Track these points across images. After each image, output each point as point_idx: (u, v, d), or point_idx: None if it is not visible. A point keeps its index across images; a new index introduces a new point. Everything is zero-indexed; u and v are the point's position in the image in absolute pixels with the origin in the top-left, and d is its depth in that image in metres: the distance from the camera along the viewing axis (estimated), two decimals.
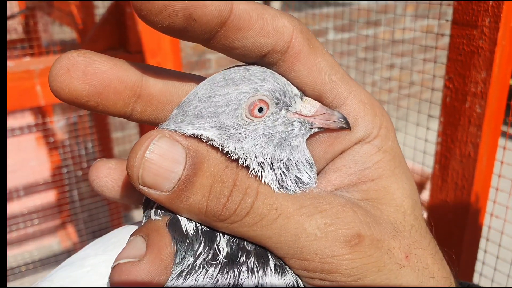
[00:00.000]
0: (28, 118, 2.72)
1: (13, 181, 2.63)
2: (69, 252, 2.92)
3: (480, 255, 1.41)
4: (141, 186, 0.37)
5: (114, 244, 0.43)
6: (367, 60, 4.10)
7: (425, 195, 3.73)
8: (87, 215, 2.63)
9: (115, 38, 2.17)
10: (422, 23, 4.47)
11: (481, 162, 1.20)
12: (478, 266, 1.42)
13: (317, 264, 0.38)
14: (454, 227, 1.30)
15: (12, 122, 2.61)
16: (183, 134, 0.39)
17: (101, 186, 0.45)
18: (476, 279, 1.46)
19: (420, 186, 4.11)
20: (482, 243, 1.40)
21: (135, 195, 0.45)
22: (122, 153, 4.09)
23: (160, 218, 0.40)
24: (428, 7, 2.05)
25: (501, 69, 1.10)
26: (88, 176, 0.46)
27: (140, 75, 0.40)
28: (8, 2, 3.42)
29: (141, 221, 0.44)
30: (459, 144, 1.21)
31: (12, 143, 2.65)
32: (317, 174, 0.45)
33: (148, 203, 0.42)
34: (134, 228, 0.43)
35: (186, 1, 0.34)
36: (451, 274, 0.46)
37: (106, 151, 2.54)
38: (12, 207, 2.63)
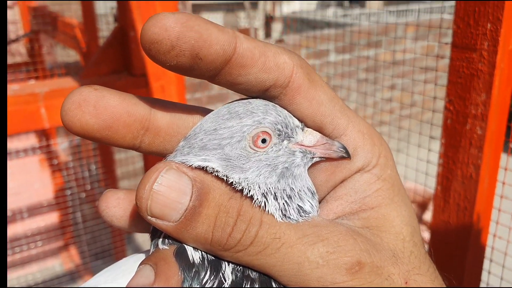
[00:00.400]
0: (32, 140, 2.73)
1: (17, 203, 2.63)
2: (71, 274, 2.91)
3: (484, 276, 1.41)
4: (149, 217, 0.39)
5: (124, 272, 0.45)
6: (368, 81, 4.13)
7: (428, 216, 3.72)
8: (90, 237, 2.63)
9: (119, 61, 2.19)
10: (423, 44, 4.52)
11: (483, 183, 1.21)
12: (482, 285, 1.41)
13: None
14: (457, 248, 1.30)
15: (17, 144, 2.62)
16: (190, 165, 0.40)
17: (111, 216, 0.46)
18: None
19: (423, 207, 4.10)
20: (486, 264, 1.40)
21: (142, 224, 0.46)
22: (125, 174, 4.10)
23: (168, 247, 0.41)
24: (428, 28, 2.08)
25: (501, 91, 1.11)
26: (98, 207, 0.47)
27: (149, 108, 0.42)
28: (13, 25, 3.47)
29: (148, 250, 0.45)
30: (460, 166, 1.22)
31: (16, 165, 2.66)
32: (319, 202, 0.46)
33: (156, 233, 0.43)
34: (142, 256, 0.45)
35: (193, 42, 0.36)
36: None
37: (109, 173, 2.55)
38: (16, 229, 2.62)
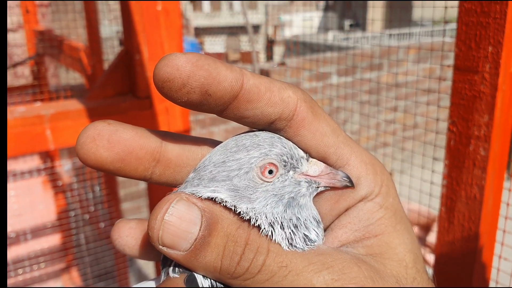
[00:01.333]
0: (36, 162, 2.74)
1: (20, 224, 2.63)
2: None
3: None
4: (160, 246, 0.40)
5: None
6: (370, 103, 4.16)
7: (432, 237, 3.69)
8: (92, 258, 2.62)
9: (124, 83, 2.22)
10: (425, 66, 4.55)
11: (487, 204, 1.21)
12: None
13: None
14: (462, 269, 1.30)
15: (21, 165, 2.63)
16: (199, 197, 0.42)
17: (123, 245, 0.48)
18: None
19: (427, 229, 4.08)
20: (492, 285, 1.39)
21: (153, 253, 0.48)
22: (128, 196, 4.10)
23: (178, 276, 0.42)
24: (430, 50, 2.10)
25: (503, 112, 1.12)
26: (111, 236, 0.49)
27: (160, 141, 0.44)
28: (18, 48, 3.51)
29: (155, 278, 0.47)
30: (464, 187, 1.23)
31: (20, 187, 2.66)
32: (324, 230, 0.48)
33: (166, 261, 0.44)
34: (151, 284, 0.47)
35: (203, 80, 0.39)
36: None
37: (112, 194, 2.55)
38: (19, 250, 2.62)
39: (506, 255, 1.42)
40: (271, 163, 0.44)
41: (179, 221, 0.39)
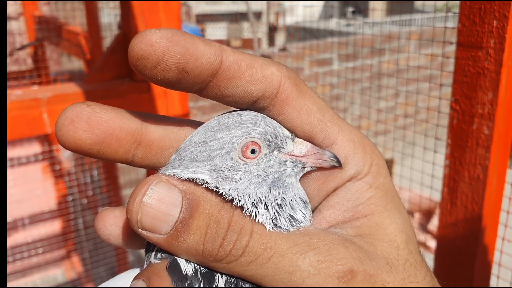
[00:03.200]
0: (34, 147, 2.73)
1: (18, 210, 2.62)
2: (73, 282, 2.88)
3: (493, 281, 1.38)
4: (140, 230, 0.39)
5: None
6: (372, 89, 4.12)
7: (433, 225, 3.68)
8: (91, 244, 2.61)
9: (122, 67, 2.19)
10: (426, 51, 4.51)
11: (491, 185, 1.19)
12: None
13: None
14: (465, 252, 1.28)
15: (19, 151, 2.62)
16: (180, 178, 0.41)
17: (108, 235, 0.47)
18: None
19: (428, 216, 4.07)
20: (495, 268, 1.37)
21: (139, 241, 0.47)
22: (128, 183, 4.09)
23: (159, 261, 0.41)
24: (432, 35, 2.07)
25: (508, 89, 1.10)
26: (95, 225, 0.48)
27: (140, 123, 0.43)
28: (18, 35, 3.49)
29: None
30: (467, 167, 1.20)
31: (18, 173, 2.65)
32: (312, 211, 0.46)
33: (149, 247, 0.43)
34: (138, 272, 0.46)
35: (178, 56, 0.37)
36: None
37: (111, 178, 2.53)
38: (17, 237, 2.61)
39: (510, 237, 1.40)
40: (254, 142, 0.43)
41: (158, 204, 0.39)
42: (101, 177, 2.52)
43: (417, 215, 4.15)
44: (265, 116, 0.44)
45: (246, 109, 0.45)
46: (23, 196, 2.66)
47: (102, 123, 0.41)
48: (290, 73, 0.43)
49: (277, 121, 0.44)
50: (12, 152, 2.59)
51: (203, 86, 0.40)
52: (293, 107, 0.43)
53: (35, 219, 2.67)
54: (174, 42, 0.37)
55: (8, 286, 2.10)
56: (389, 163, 4.70)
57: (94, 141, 0.41)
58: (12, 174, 2.58)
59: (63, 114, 0.40)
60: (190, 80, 0.39)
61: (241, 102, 0.42)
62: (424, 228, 4.01)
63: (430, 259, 1.39)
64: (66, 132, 0.40)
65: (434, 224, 3.82)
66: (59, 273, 3.00)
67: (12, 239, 2.58)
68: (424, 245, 3.44)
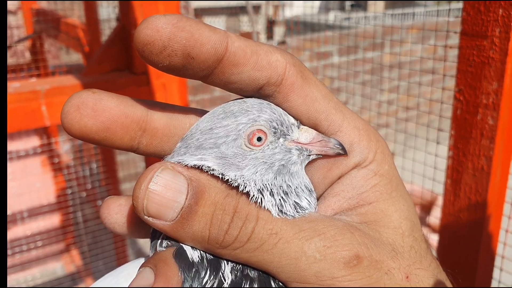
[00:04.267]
0: (33, 140, 2.71)
1: (18, 203, 2.61)
2: (72, 275, 2.88)
3: (496, 273, 1.37)
4: (146, 217, 0.39)
5: (125, 277, 0.46)
6: (372, 83, 4.10)
7: (433, 219, 3.68)
8: (90, 237, 2.60)
9: (121, 59, 2.18)
10: (427, 45, 4.49)
11: (495, 176, 1.17)
12: (494, 284, 1.37)
13: (318, 287, 0.39)
14: (468, 243, 1.26)
15: (18, 144, 2.60)
16: (186, 165, 0.41)
17: (113, 223, 0.47)
18: None
19: (428, 210, 4.06)
20: (498, 260, 1.36)
21: (144, 230, 0.47)
22: (127, 177, 4.07)
23: (165, 249, 0.42)
24: (434, 28, 2.05)
25: None
26: (100, 214, 0.48)
27: (146, 110, 0.43)
28: (16, 28, 3.47)
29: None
30: (471, 158, 1.19)
31: (17, 166, 2.64)
32: (317, 199, 0.46)
33: (155, 234, 0.43)
34: (142, 262, 0.46)
35: (184, 41, 0.37)
36: None
37: (110, 172, 2.52)
38: (16, 230, 2.60)
39: None
40: (260, 129, 0.43)
41: (164, 190, 0.39)
42: (100, 170, 2.51)
43: (417, 209, 4.15)
44: (271, 103, 0.44)
45: (251, 97, 0.44)
46: (22, 189, 2.65)
47: (108, 110, 0.41)
48: (295, 60, 0.43)
49: (282, 108, 0.44)
50: (11, 146, 2.58)
51: (209, 72, 0.40)
52: (298, 94, 0.43)
53: (34, 212, 2.66)
54: (179, 28, 0.37)
55: (7, 281, 2.09)
56: None
57: (100, 128, 0.41)
58: (10, 168, 2.56)
59: (69, 101, 0.41)
60: (195, 66, 0.39)
61: (246, 89, 0.42)
62: (424, 223, 4.01)
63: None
64: (72, 119, 0.40)
65: (434, 217, 3.82)
66: (59, 267, 3.00)
67: (11, 233, 2.57)
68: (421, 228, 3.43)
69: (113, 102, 0.42)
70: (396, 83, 4.54)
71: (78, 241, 2.78)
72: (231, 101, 0.45)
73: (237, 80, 0.41)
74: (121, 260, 2.57)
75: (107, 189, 2.45)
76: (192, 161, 0.41)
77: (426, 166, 1.96)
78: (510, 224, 1.38)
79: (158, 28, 0.37)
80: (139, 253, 3.32)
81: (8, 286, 2.37)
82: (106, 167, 2.51)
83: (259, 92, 0.43)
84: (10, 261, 2.46)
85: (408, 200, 0.46)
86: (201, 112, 0.46)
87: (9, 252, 2.38)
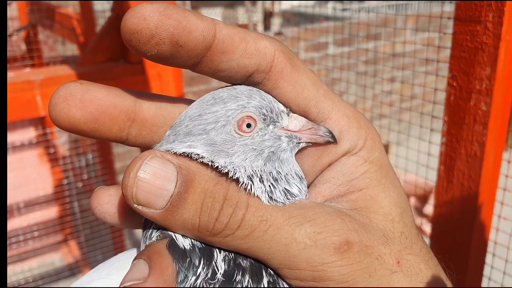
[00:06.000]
0: (28, 131, 2.71)
1: (14, 196, 2.61)
2: (69, 265, 2.88)
3: (489, 258, 1.38)
4: (135, 205, 0.39)
5: (117, 268, 0.46)
6: (367, 74, 4.10)
7: (429, 208, 3.68)
8: (88, 227, 2.61)
9: (116, 49, 2.17)
10: (423, 36, 4.48)
11: (488, 162, 1.18)
12: (486, 270, 1.38)
13: (309, 273, 0.40)
14: (461, 229, 1.27)
15: (13, 135, 2.59)
16: (174, 153, 0.41)
17: (103, 213, 0.47)
18: (484, 284, 1.42)
19: (423, 200, 4.08)
20: (491, 246, 1.37)
21: (135, 220, 0.47)
22: (123, 169, 4.07)
23: (158, 240, 0.41)
24: (429, 19, 2.04)
25: (506, 64, 1.08)
26: (90, 204, 0.48)
27: (134, 100, 0.43)
28: (10, 20, 3.45)
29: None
30: (464, 144, 1.19)
31: (13, 157, 2.63)
32: (308, 187, 0.47)
33: (147, 224, 0.43)
34: (135, 252, 0.47)
35: (172, 29, 0.37)
36: (448, 280, 0.47)
37: (106, 162, 2.52)
38: (13, 222, 2.60)
39: (506, 215, 1.40)
40: (250, 116, 0.43)
41: (153, 178, 0.39)
42: (96, 160, 2.51)
43: (412, 199, 4.16)
44: (260, 90, 0.44)
45: (240, 84, 0.44)
46: (18, 180, 2.64)
47: (96, 101, 0.41)
48: (283, 47, 0.43)
49: (272, 96, 0.44)
50: (8, 138, 2.57)
51: (197, 60, 0.40)
52: (288, 81, 0.43)
53: (31, 203, 2.65)
54: (166, 16, 0.37)
55: (7, 278, 2.08)
56: (385, 147, 4.70)
57: (88, 119, 0.41)
58: (8, 160, 2.56)
59: (56, 92, 0.40)
60: (184, 54, 0.39)
61: (235, 76, 0.42)
62: (419, 212, 4.02)
63: (426, 240, 1.39)
64: (60, 111, 0.40)
65: (429, 209, 3.83)
66: (57, 258, 3.00)
67: (8, 224, 2.57)
68: (420, 229, 3.45)
69: (101, 92, 0.41)
70: (392, 74, 4.54)
71: (75, 231, 2.78)
72: (221, 88, 0.45)
73: (226, 68, 0.41)
74: (118, 250, 2.57)
75: (103, 179, 2.45)
76: (181, 148, 0.41)
77: (420, 153, 1.97)
78: (502, 210, 1.38)
79: (145, 17, 0.37)
80: (136, 243, 3.32)
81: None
82: (102, 158, 2.51)
83: (249, 79, 0.43)
84: (8, 253, 2.46)
85: (398, 186, 0.46)
86: (189, 102, 0.46)
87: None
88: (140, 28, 0.37)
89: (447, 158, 1.25)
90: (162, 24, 0.37)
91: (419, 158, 2.01)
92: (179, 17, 0.37)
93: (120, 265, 0.46)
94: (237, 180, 0.41)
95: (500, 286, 1.47)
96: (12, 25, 3.44)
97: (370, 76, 4.14)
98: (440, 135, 1.26)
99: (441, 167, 1.27)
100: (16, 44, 3.37)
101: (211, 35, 0.39)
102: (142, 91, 0.44)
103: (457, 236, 1.29)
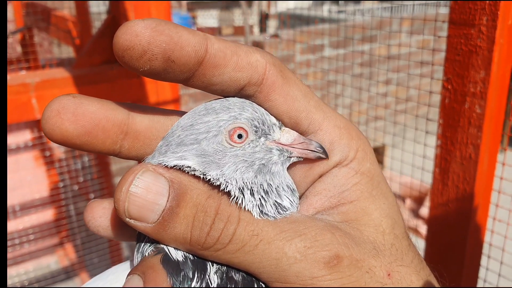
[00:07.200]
0: (25, 134, 2.70)
1: (10, 198, 2.60)
2: (65, 268, 2.87)
3: (484, 260, 1.39)
4: (127, 219, 0.39)
5: (111, 281, 0.46)
6: (363, 76, 4.11)
7: (424, 211, 3.69)
8: (84, 230, 2.60)
9: (111, 51, 2.16)
10: (418, 38, 4.50)
11: (482, 164, 1.19)
12: (481, 272, 1.39)
13: (299, 287, 0.40)
14: (456, 231, 1.28)
15: (9, 138, 2.59)
16: (166, 166, 0.41)
17: (97, 226, 0.47)
18: (480, 285, 1.42)
19: (419, 202, 4.09)
20: (485, 248, 1.37)
21: (128, 232, 0.47)
22: (120, 171, 4.06)
23: (152, 254, 0.41)
24: (424, 22, 2.05)
25: (500, 67, 1.09)
26: (84, 217, 0.48)
27: (127, 113, 0.43)
28: (7, 22, 3.44)
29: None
30: (459, 146, 1.20)
31: (9, 160, 2.62)
32: (299, 198, 0.46)
33: (140, 237, 0.43)
34: (129, 266, 0.47)
35: (164, 45, 0.37)
36: None
37: (102, 164, 2.52)
38: (9, 225, 2.59)
39: (501, 217, 1.41)
40: (241, 127, 0.43)
41: (145, 193, 0.39)
42: (92, 163, 2.50)
43: (408, 201, 4.17)
44: (253, 103, 0.44)
45: (233, 97, 0.45)
46: (14, 183, 2.63)
47: (88, 114, 0.41)
48: (275, 60, 0.43)
49: (264, 108, 0.44)
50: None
51: (190, 75, 0.40)
52: (279, 93, 0.43)
53: (26, 206, 2.65)
54: (158, 32, 0.37)
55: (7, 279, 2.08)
56: (381, 149, 4.71)
57: (81, 133, 0.41)
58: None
59: (49, 106, 0.40)
60: (176, 69, 0.39)
61: (228, 90, 0.43)
62: (415, 214, 4.03)
63: (421, 244, 1.39)
64: (53, 124, 0.40)
65: (425, 211, 3.84)
66: (53, 261, 2.99)
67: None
68: (416, 231, 3.46)
69: (94, 106, 0.42)
70: (388, 76, 4.55)
71: (71, 234, 2.77)
72: (213, 100, 0.45)
73: (218, 81, 0.41)
74: (114, 253, 2.57)
75: (99, 182, 2.45)
76: (173, 161, 0.41)
77: (415, 155, 1.97)
78: (497, 212, 1.39)
79: (137, 33, 0.37)
80: (132, 247, 3.32)
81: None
82: (98, 160, 2.50)
83: (241, 92, 0.43)
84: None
85: (389, 197, 0.47)
86: (182, 114, 0.46)
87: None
88: (133, 44, 0.37)
89: (442, 160, 1.25)
90: (154, 40, 0.37)
91: (415, 160, 2.02)
92: (171, 33, 0.38)
93: (114, 278, 0.46)
94: (228, 193, 0.41)
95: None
96: (7, 27, 3.43)
97: (366, 78, 4.15)
98: (435, 137, 1.27)
99: (436, 169, 1.27)
100: (11, 47, 3.36)
101: (203, 50, 0.39)
102: (135, 103, 0.44)
103: (452, 238, 1.30)
